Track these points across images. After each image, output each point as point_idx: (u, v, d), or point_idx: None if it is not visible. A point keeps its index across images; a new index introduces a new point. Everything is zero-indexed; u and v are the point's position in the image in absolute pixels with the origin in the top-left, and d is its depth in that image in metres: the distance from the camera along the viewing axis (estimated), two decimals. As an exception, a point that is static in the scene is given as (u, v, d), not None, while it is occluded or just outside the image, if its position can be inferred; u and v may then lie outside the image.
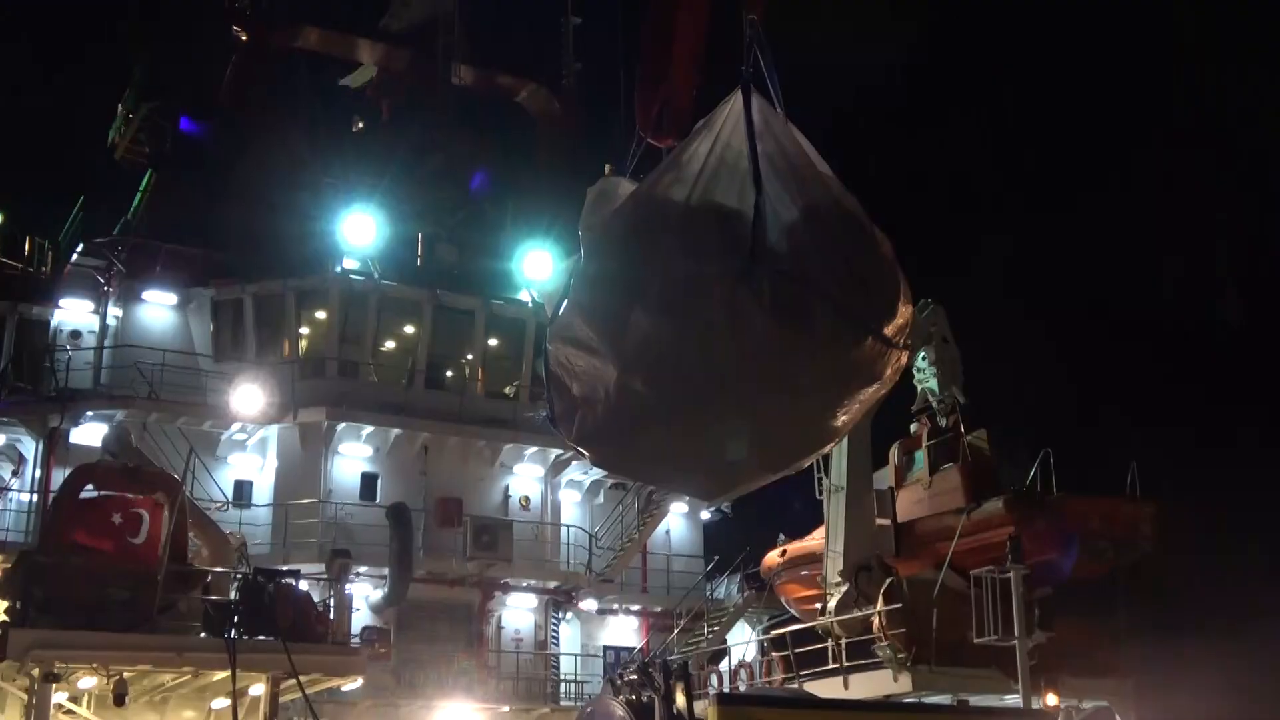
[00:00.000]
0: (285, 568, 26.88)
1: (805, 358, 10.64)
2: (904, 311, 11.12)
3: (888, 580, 26.79)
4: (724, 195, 11.00)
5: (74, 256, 39.07)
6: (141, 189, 42.07)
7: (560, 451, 39.74)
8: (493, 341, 40.67)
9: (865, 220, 11.30)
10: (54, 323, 38.06)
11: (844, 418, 11.35)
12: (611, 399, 10.97)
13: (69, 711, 24.66)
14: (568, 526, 40.57)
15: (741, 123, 11.12)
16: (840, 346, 10.75)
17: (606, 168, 47.46)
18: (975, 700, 25.74)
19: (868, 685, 26.46)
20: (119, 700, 23.14)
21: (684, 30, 12.81)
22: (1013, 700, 24.67)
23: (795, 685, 27.39)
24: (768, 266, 10.46)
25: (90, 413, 35.41)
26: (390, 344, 39.91)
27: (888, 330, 10.92)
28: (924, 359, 29.40)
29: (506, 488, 39.81)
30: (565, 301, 11.48)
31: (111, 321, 38.16)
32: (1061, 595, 27.46)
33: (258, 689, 23.95)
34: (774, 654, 30.52)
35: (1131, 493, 27.48)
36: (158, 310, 38.78)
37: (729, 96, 11.45)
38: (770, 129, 11.26)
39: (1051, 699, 25.69)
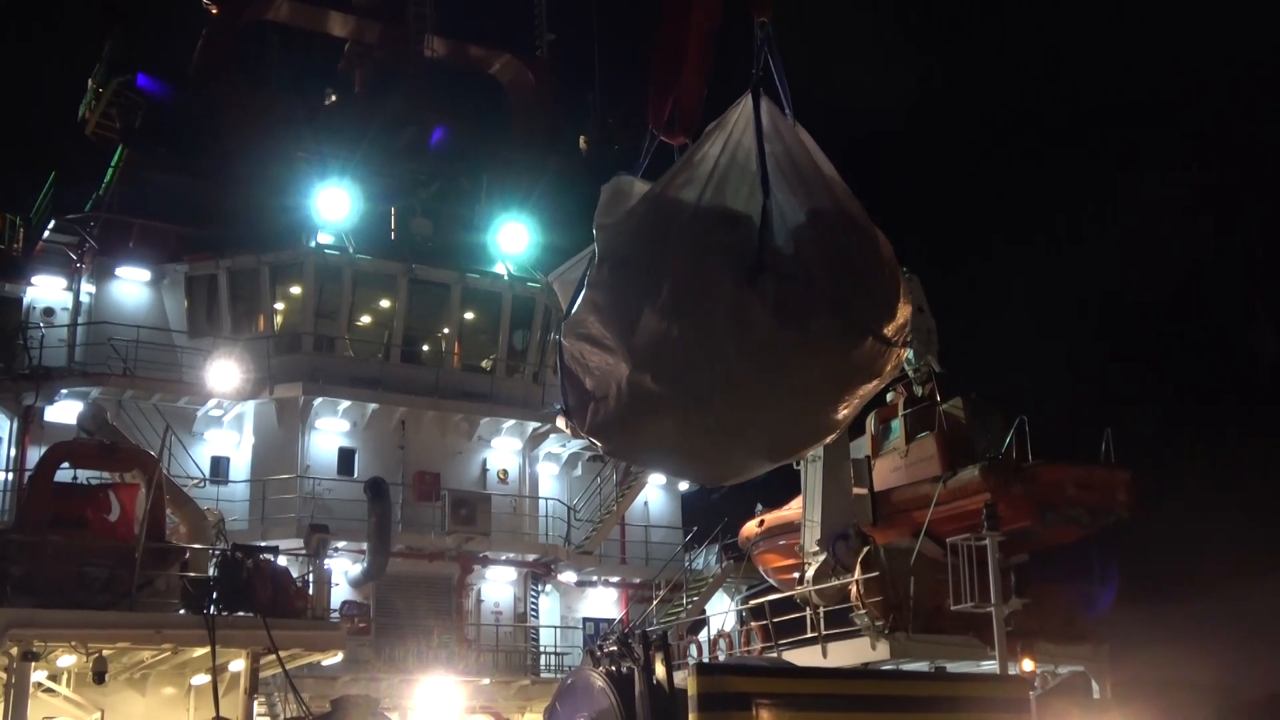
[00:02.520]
0: (263, 544, 26.89)
1: (807, 357, 11.10)
2: (903, 311, 11.58)
3: (865, 549, 26.94)
4: (733, 198, 11.41)
5: (46, 233, 38.72)
6: (113, 164, 41.68)
7: (538, 424, 39.77)
8: (469, 315, 40.58)
9: (868, 223, 11.71)
10: (26, 300, 37.73)
11: (845, 411, 11.88)
12: (623, 393, 11.41)
13: (49, 690, 24.68)
14: (546, 499, 40.60)
15: (751, 125, 11.49)
16: (842, 347, 11.21)
17: (581, 140, 47.51)
18: (952, 667, 25.96)
19: (846, 653, 26.65)
20: (99, 678, 23.20)
21: (697, 30, 13.04)
22: (989, 666, 24.88)
23: (774, 654, 27.54)
24: (773, 271, 10.88)
25: (65, 390, 35.17)
26: (366, 318, 39.79)
27: (887, 330, 11.38)
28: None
29: (484, 461, 39.79)
30: (580, 297, 11.84)
31: (85, 298, 37.90)
32: (1037, 562, 27.68)
33: (237, 665, 24.00)
34: (753, 623, 30.68)
35: (1106, 460, 27.64)
36: (131, 286, 38.51)
37: (740, 98, 11.77)
38: (779, 131, 11.61)
39: (1028, 665, 25.91)
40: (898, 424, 29.84)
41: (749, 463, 12.62)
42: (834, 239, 11.36)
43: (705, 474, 14.06)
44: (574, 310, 11.95)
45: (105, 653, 23.05)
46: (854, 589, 26.37)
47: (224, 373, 36.33)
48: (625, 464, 41.49)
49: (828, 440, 14.05)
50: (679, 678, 16.16)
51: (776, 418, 11.66)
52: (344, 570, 34.39)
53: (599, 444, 12.45)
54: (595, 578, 41.22)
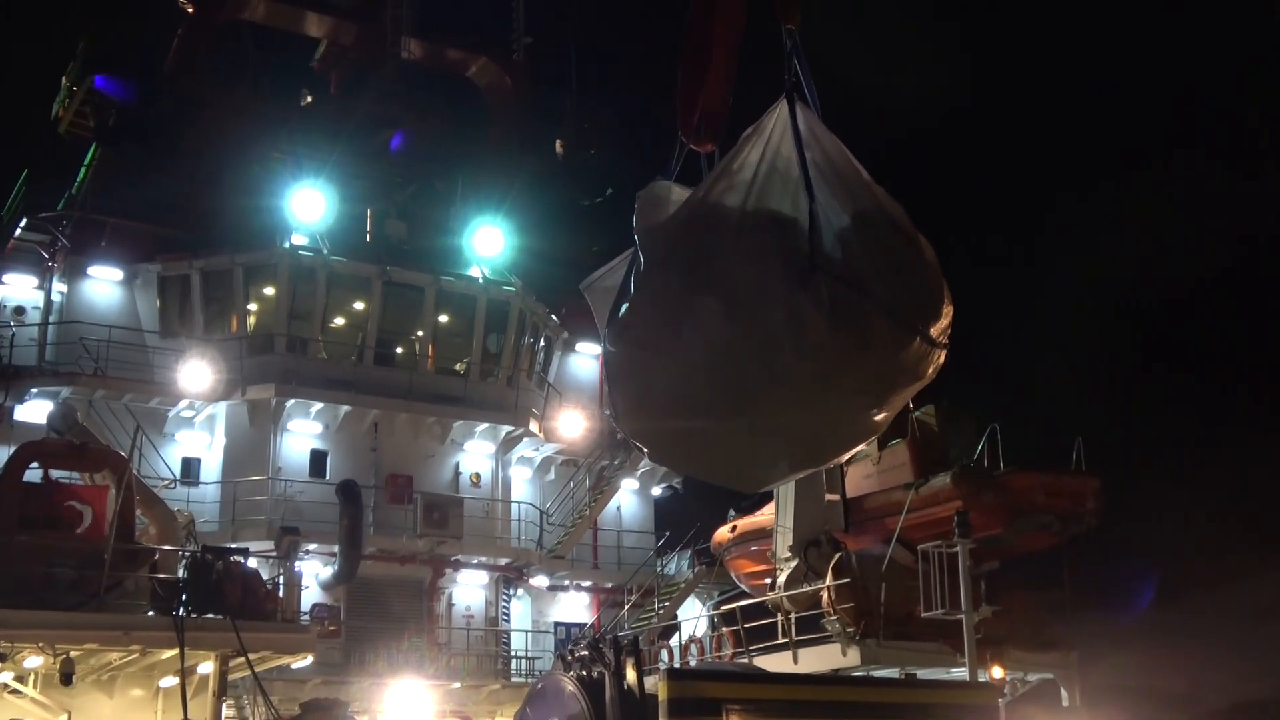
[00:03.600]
0: (234, 545, 26.77)
1: (860, 358, 11.32)
2: (947, 312, 11.84)
3: (837, 555, 26.96)
4: (778, 202, 11.58)
5: (18, 231, 38.45)
6: (86, 163, 41.51)
7: (511, 428, 39.74)
8: (443, 318, 40.51)
9: (910, 225, 11.93)
10: (-3, 298, 37.54)
11: (887, 413, 12.15)
12: (674, 398, 11.64)
13: (15, 691, 24.49)
14: (518, 503, 40.56)
15: (789, 131, 11.71)
16: (892, 347, 11.44)
17: (557, 144, 47.54)
18: (923, 674, 26.02)
19: (817, 659, 26.65)
20: (66, 679, 23.04)
21: (721, 38, 13.18)
22: (959, 673, 24.94)
23: (745, 660, 27.54)
24: (826, 272, 11.09)
25: (35, 390, 34.96)
26: (340, 320, 39.66)
27: (933, 331, 11.64)
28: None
29: (457, 464, 39.70)
30: (625, 302, 11.95)
31: (56, 297, 37.67)
32: (1008, 569, 27.77)
33: (206, 667, 23.88)
34: (724, 629, 30.66)
35: (1077, 467, 27.76)
36: (103, 286, 38.30)
37: (774, 105, 11.98)
38: (816, 137, 11.83)
39: (997, 672, 25.98)
40: (870, 431, 29.82)
41: (792, 466, 12.96)
42: (880, 241, 11.56)
43: (748, 479, 13.96)
44: (620, 315, 12.02)
45: (73, 654, 22.88)
46: (825, 595, 26.39)
47: (196, 373, 36.20)
48: (598, 468, 41.67)
49: (866, 443, 14.32)
50: (650, 683, 16.16)
51: (824, 419, 11.88)
52: (315, 573, 34.26)
53: (645, 449, 12.72)
54: (567, 582, 41.21)
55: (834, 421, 12.00)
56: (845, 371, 11.33)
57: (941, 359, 11.98)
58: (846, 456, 14.33)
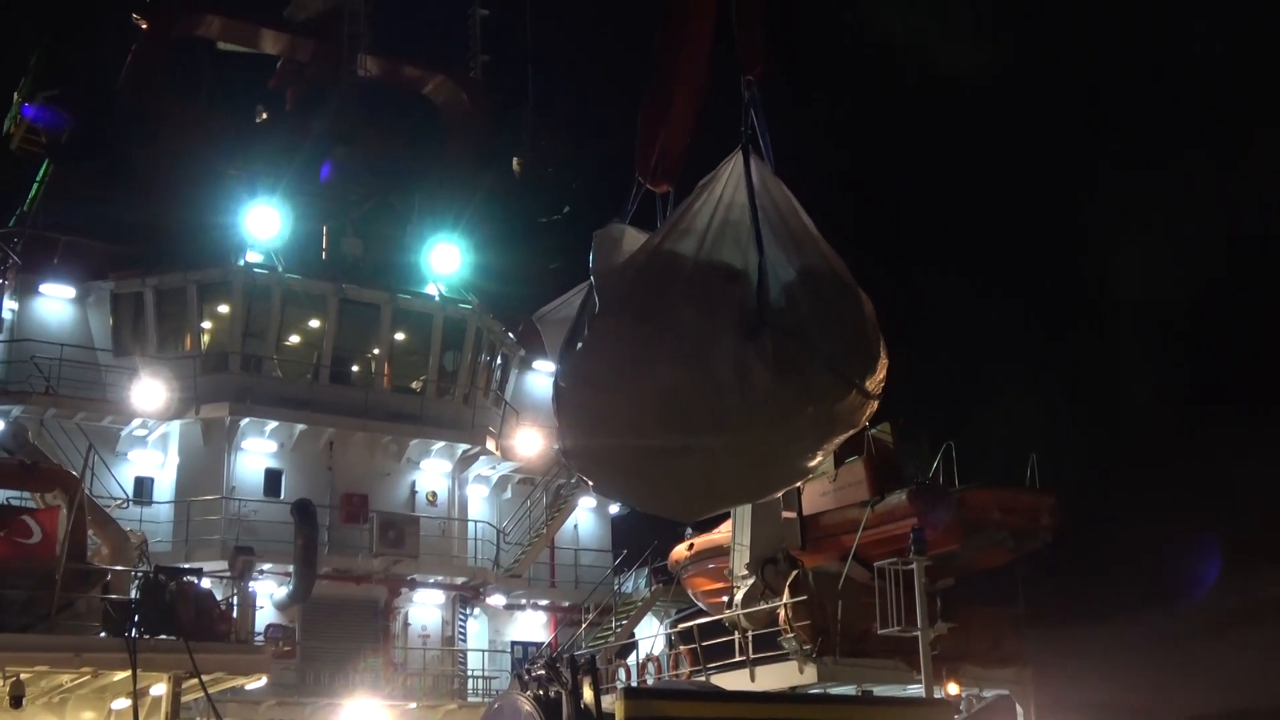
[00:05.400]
0: (187, 565, 26.61)
1: (800, 407, 11.94)
2: (883, 365, 12.44)
3: (793, 573, 27.05)
4: (729, 254, 12.14)
5: (-32, 249, 38.13)
6: (38, 179, 41.16)
7: (467, 446, 39.63)
8: (399, 336, 40.37)
9: (851, 281, 12.51)
10: (-52, 316, 37.12)
11: (820, 457, 12.88)
12: (621, 435, 12.16)
13: (-37, 714, 24.14)
14: (475, 522, 40.43)
15: (743, 183, 12.25)
16: (830, 398, 12.03)
17: (514, 161, 47.57)
18: (879, 690, 26.11)
19: (774, 677, 26.71)
20: (15, 702, 22.74)
21: (684, 80, 13.58)
22: (915, 690, 25.05)
23: (703, 678, 27.54)
24: (772, 326, 11.65)
25: (-15, 408, 34.62)
26: (295, 338, 39.45)
27: (869, 385, 12.25)
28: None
29: (413, 483, 39.53)
30: (579, 341, 12.43)
31: (8, 315, 37.25)
32: (963, 586, 27.92)
33: (159, 689, 23.65)
34: (681, 647, 30.67)
35: (1031, 484, 27.96)
36: (55, 304, 37.96)
37: (730, 155, 12.49)
38: (768, 189, 12.35)
39: (953, 688, 26.11)
40: (827, 448, 29.92)
41: (728, 501, 14.21)
42: (823, 295, 12.13)
43: (692, 511, 14.84)
44: (573, 352, 12.48)
45: (23, 676, 22.59)
46: (782, 613, 26.46)
47: (149, 392, 35.92)
48: (555, 486, 41.61)
49: (801, 483, 15.07)
50: (607, 702, 16.15)
51: (763, 461, 12.49)
52: (269, 593, 33.98)
53: (592, 483, 13.22)
54: (524, 601, 41.10)
55: (772, 463, 12.62)
56: (786, 419, 11.89)
57: (873, 409, 12.62)
58: (779, 494, 15.31)
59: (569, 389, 12.56)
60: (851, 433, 12.66)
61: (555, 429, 13.38)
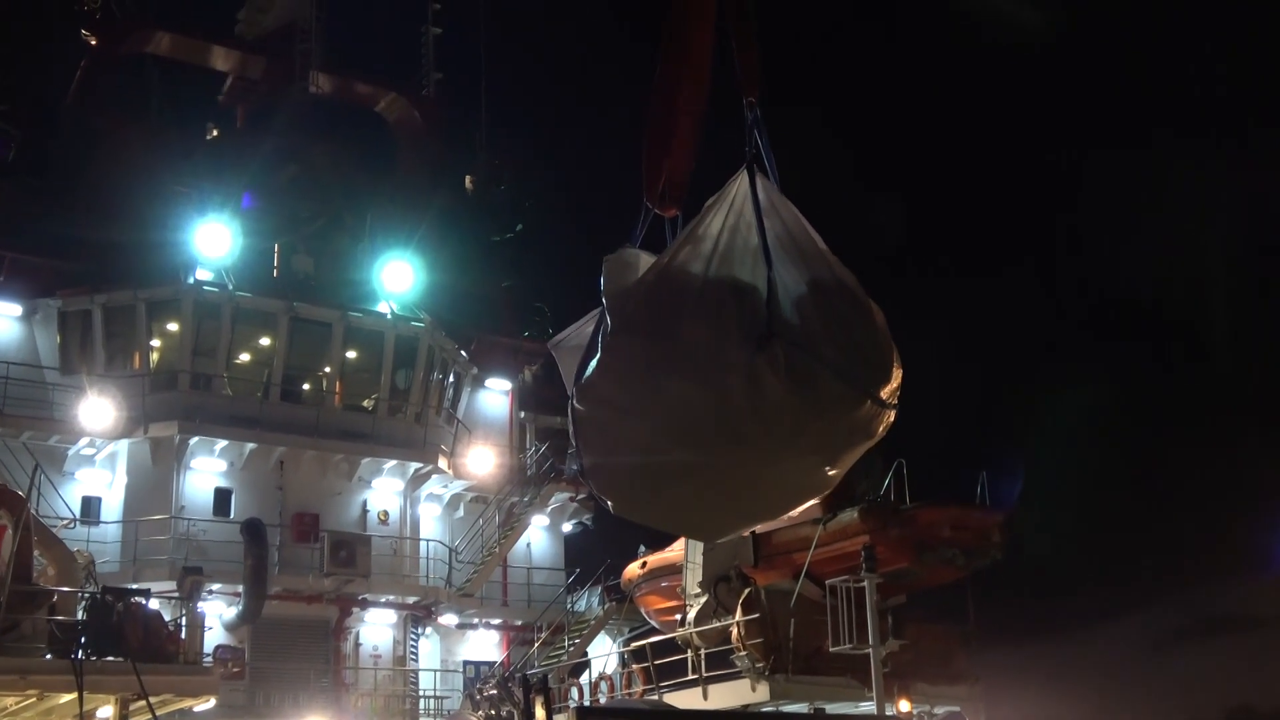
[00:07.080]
0: (135, 586, 26.36)
1: (813, 419, 12.01)
2: (897, 374, 12.55)
3: (746, 590, 27.10)
4: (739, 270, 12.33)
5: (-87, 265, 37.63)
6: (-16, 196, 40.68)
7: (420, 465, 39.47)
8: (351, 354, 40.18)
9: (861, 292, 12.67)
10: (-109, 334, 36.64)
11: (839, 469, 12.91)
12: (638, 455, 12.31)
13: (-96, 738, 23.80)
14: (427, 541, 40.25)
15: (749, 201, 12.45)
16: (843, 409, 12.13)
17: (467, 179, 47.55)
18: (831, 708, 26.21)
19: (727, 695, 26.73)
20: (-41, 726, 22.42)
21: (687, 108, 13.87)
22: (867, 707, 25.13)
23: (655, 697, 27.55)
24: (782, 337, 11.78)
25: (-71, 428, 34.17)
26: (245, 356, 39.17)
27: (883, 394, 12.35)
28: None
29: (365, 502, 39.31)
30: (593, 362, 12.58)
31: (-48, 332, 36.87)
32: (914, 603, 28.07)
33: (106, 711, 23.41)
34: (634, 666, 30.65)
35: (981, 502, 28.16)
36: (2, 321, 37.53)
37: (736, 175, 12.72)
38: (774, 207, 12.53)
39: (905, 705, 26.23)
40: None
41: (750, 519, 13.89)
42: (834, 308, 12.29)
43: (713, 529, 15.03)
44: (587, 374, 12.61)
45: (-34, 699, 22.33)
46: (735, 631, 26.50)
47: (97, 411, 35.57)
48: (508, 504, 41.52)
49: (818, 498, 15.10)
50: (559, 721, 16.13)
51: (780, 476, 12.57)
52: (218, 613, 33.68)
53: (612, 504, 13.23)
54: (476, 620, 40.95)
55: (789, 478, 12.69)
56: (800, 431, 11.96)
57: (892, 418, 12.70)
58: (800, 510, 15.32)
59: (586, 409, 12.67)
60: (870, 443, 12.72)
61: (573, 450, 13.43)
